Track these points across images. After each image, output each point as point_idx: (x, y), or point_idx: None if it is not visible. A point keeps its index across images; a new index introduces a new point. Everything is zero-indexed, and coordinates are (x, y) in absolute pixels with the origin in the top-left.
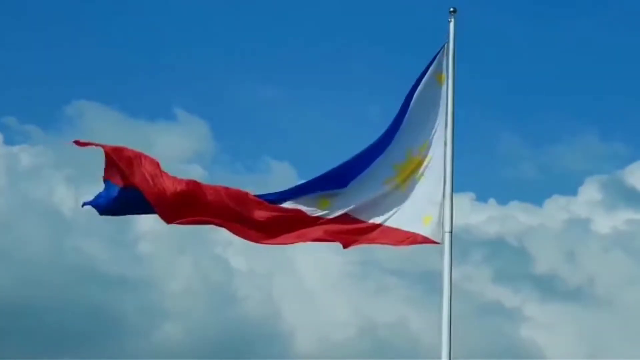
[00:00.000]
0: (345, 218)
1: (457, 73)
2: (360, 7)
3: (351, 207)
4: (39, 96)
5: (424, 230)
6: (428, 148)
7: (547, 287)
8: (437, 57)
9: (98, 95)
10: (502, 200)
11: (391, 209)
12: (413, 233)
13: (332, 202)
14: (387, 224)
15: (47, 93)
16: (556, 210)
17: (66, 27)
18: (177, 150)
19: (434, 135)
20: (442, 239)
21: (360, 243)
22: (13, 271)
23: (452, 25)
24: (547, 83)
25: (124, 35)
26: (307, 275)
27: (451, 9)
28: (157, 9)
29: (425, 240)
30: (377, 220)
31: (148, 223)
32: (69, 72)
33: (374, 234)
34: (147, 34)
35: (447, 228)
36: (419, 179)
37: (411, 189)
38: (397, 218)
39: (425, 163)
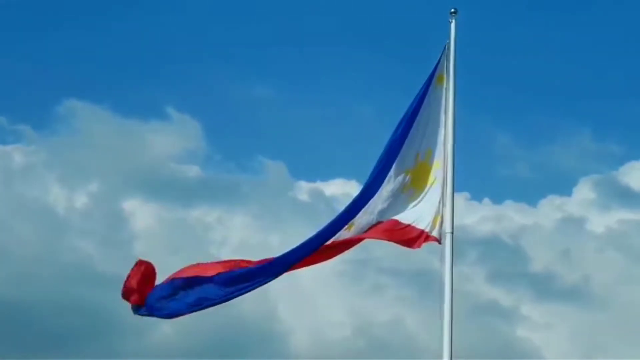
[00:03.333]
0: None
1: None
2: (359, 7)
3: (374, 222)
4: (30, 96)
5: (431, 230)
6: (434, 151)
7: (543, 287)
8: (440, 59)
9: (89, 94)
10: (497, 200)
11: (406, 210)
12: (423, 231)
13: (357, 223)
14: (397, 217)
15: (37, 93)
16: (550, 209)
17: (57, 26)
18: (170, 149)
19: (438, 137)
20: (443, 239)
21: (369, 237)
22: (7, 271)
23: (452, 26)
24: (542, 83)
25: (116, 34)
26: (303, 274)
27: (452, 10)
28: (149, 8)
29: (431, 239)
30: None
31: (143, 222)
32: (59, 72)
33: (383, 227)
34: (139, 32)
35: (447, 229)
36: (432, 183)
37: (426, 193)
38: (410, 215)
39: (435, 166)
